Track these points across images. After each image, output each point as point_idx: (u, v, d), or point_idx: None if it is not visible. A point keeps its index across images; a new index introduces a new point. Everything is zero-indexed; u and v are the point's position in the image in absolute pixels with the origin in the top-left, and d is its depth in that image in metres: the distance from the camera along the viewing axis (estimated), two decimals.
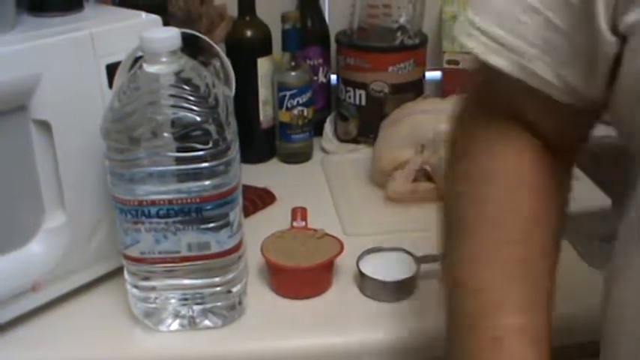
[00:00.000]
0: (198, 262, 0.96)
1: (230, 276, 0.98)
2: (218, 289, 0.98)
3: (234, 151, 0.94)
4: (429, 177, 1.31)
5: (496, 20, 0.67)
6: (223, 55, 1.06)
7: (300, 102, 1.47)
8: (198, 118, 0.88)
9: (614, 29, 0.59)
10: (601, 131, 1.70)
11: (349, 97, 1.55)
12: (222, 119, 0.91)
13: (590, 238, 1.21)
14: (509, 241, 0.74)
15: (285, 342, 1.00)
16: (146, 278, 0.97)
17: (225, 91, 0.97)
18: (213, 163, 0.90)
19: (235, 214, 0.96)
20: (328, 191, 1.39)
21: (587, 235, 1.22)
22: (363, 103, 1.53)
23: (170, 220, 0.93)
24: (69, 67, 0.95)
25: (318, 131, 1.59)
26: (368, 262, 1.09)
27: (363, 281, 1.08)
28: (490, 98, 0.76)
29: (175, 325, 1.00)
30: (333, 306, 1.06)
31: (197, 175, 0.91)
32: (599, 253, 1.17)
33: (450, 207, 0.80)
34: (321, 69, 1.59)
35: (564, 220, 0.79)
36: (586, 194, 1.35)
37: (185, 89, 0.89)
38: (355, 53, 1.51)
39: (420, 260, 1.09)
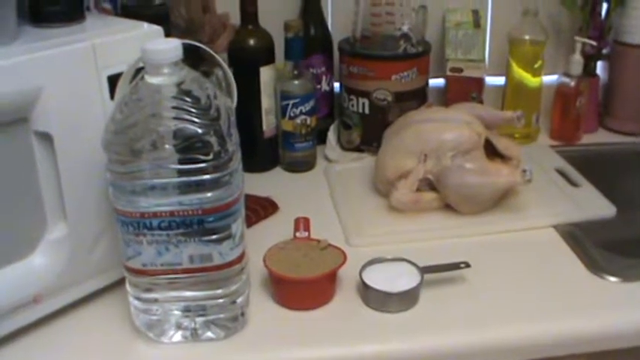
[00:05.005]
0: (200, 274, 0.95)
1: (232, 288, 0.98)
2: (220, 300, 0.98)
3: (236, 163, 0.93)
4: (432, 186, 1.30)
5: None
6: (225, 66, 1.06)
7: (303, 111, 1.47)
8: (200, 130, 0.88)
9: None
10: (603, 137, 1.71)
11: (352, 106, 1.54)
12: (224, 131, 0.90)
13: (593, 246, 1.21)
14: None
15: (288, 354, 1.00)
16: (148, 290, 0.97)
17: (227, 103, 0.97)
18: (215, 175, 0.90)
19: (238, 225, 0.95)
20: (331, 200, 1.39)
21: (590, 243, 1.22)
22: (367, 111, 1.53)
23: (172, 232, 0.92)
24: (70, 79, 0.95)
25: (322, 140, 1.58)
26: (371, 273, 1.08)
27: (366, 292, 1.07)
28: None
29: (178, 336, 1.00)
30: (336, 317, 1.05)
31: (199, 187, 0.90)
32: (603, 261, 1.17)
33: None
34: (324, 77, 1.59)
35: None
36: (589, 202, 1.34)
37: (187, 101, 0.89)
38: (358, 61, 1.51)
39: (423, 270, 1.09)
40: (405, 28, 1.50)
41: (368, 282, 1.06)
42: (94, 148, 0.94)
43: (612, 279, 1.12)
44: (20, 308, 0.98)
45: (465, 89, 1.59)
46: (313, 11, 1.58)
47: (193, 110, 0.88)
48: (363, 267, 1.10)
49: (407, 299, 1.06)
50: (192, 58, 1.00)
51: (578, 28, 1.68)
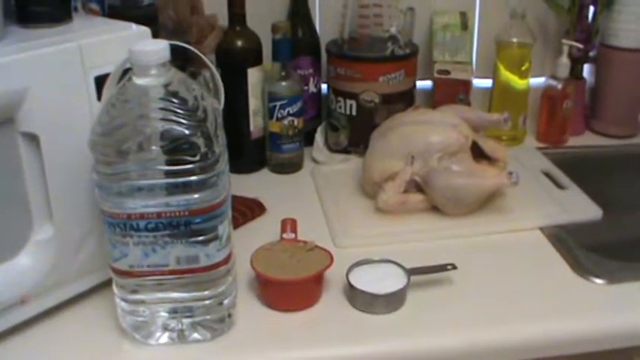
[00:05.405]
0: (187, 276, 0.95)
1: (219, 289, 0.98)
2: (207, 302, 0.98)
3: (223, 164, 0.93)
4: (419, 188, 1.31)
5: None
6: (213, 67, 1.06)
7: (291, 112, 1.47)
8: (187, 132, 0.88)
9: None
10: (590, 140, 1.72)
11: (340, 107, 1.54)
12: (211, 132, 0.90)
13: (579, 248, 1.21)
14: None
15: (275, 355, 1.00)
16: (135, 291, 0.97)
17: (214, 104, 0.97)
18: (202, 176, 0.90)
19: (224, 227, 0.95)
20: (318, 202, 1.39)
21: (577, 245, 1.22)
22: (354, 113, 1.53)
23: (159, 233, 0.92)
24: (57, 79, 0.95)
25: (309, 141, 1.59)
26: (357, 274, 1.09)
27: (352, 294, 1.07)
28: None
29: (164, 338, 1.00)
30: (323, 319, 1.05)
31: (186, 189, 0.90)
32: (588, 263, 1.17)
33: None
34: (311, 79, 1.59)
35: None
36: (575, 204, 1.35)
37: (174, 102, 0.89)
38: (346, 63, 1.51)
39: (410, 272, 1.09)
40: (393, 30, 1.51)
41: (354, 283, 1.06)
42: (80, 149, 0.93)
43: (598, 281, 1.13)
44: (7, 309, 0.98)
45: (452, 91, 1.59)
46: (301, 13, 1.58)
47: (180, 111, 0.88)
48: (350, 268, 1.10)
49: (393, 301, 1.07)
50: (180, 59, 1.00)
51: (565, 31, 1.69)
